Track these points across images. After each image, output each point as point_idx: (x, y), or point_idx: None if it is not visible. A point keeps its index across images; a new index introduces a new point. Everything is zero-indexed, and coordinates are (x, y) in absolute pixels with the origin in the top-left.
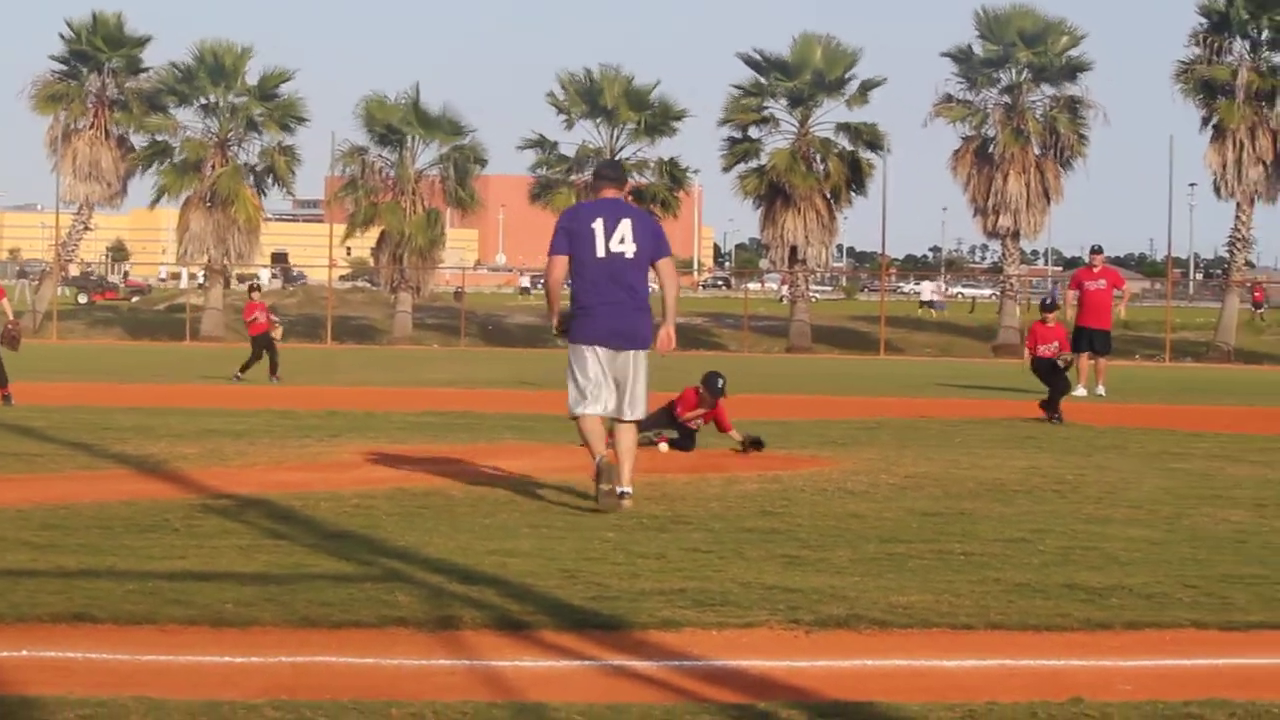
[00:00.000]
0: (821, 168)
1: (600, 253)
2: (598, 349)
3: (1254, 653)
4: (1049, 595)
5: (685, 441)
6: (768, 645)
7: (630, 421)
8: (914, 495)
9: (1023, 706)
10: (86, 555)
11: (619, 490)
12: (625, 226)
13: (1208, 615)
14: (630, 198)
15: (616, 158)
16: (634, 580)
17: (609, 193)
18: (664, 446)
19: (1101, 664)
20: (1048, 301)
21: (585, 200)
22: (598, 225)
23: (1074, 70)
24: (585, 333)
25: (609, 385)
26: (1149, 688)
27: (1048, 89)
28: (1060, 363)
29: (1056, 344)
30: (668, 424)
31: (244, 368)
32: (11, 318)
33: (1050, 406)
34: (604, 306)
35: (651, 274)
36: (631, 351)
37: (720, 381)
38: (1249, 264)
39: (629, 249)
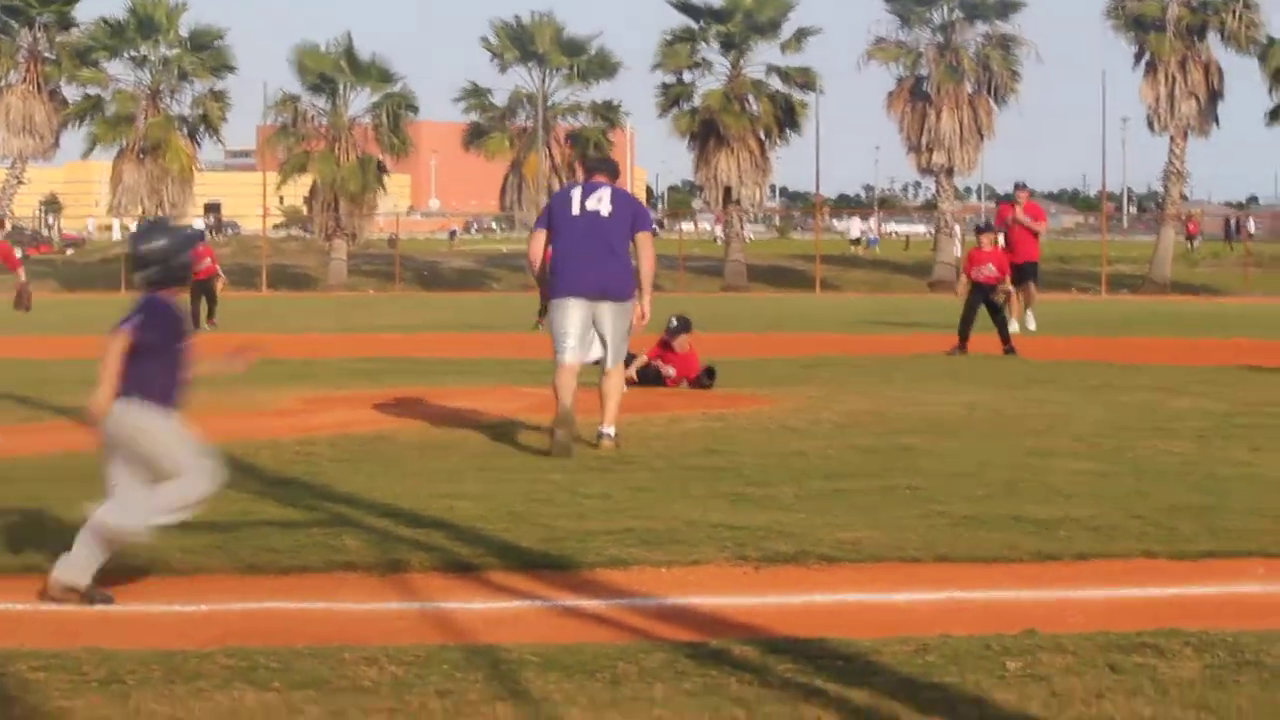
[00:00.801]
0: (754, 108)
1: (575, 211)
2: (573, 300)
3: (1204, 582)
4: (996, 528)
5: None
6: (717, 582)
7: (618, 369)
8: (856, 431)
9: (976, 639)
10: (32, 507)
11: (601, 430)
12: (604, 192)
13: (1156, 545)
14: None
15: (550, 104)
16: (581, 521)
17: (598, 179)
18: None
19: (1052, 595)
20: (982, 225)
21: None
22: (575, 192)
23: (1006, 8)
24: (561, 287)
25: (588, 336)
26: (1101, 618)
27: (981, 27)
28: (997, 296)
29: (991, 266)
30: (643, 366)
31: (210, 317)
32: (24, 279)
33: (1002, 340)
34: (579, 259)
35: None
36: (608, 303)
37: (673, 322)
38: (1183, 197)
39: (604, 208)
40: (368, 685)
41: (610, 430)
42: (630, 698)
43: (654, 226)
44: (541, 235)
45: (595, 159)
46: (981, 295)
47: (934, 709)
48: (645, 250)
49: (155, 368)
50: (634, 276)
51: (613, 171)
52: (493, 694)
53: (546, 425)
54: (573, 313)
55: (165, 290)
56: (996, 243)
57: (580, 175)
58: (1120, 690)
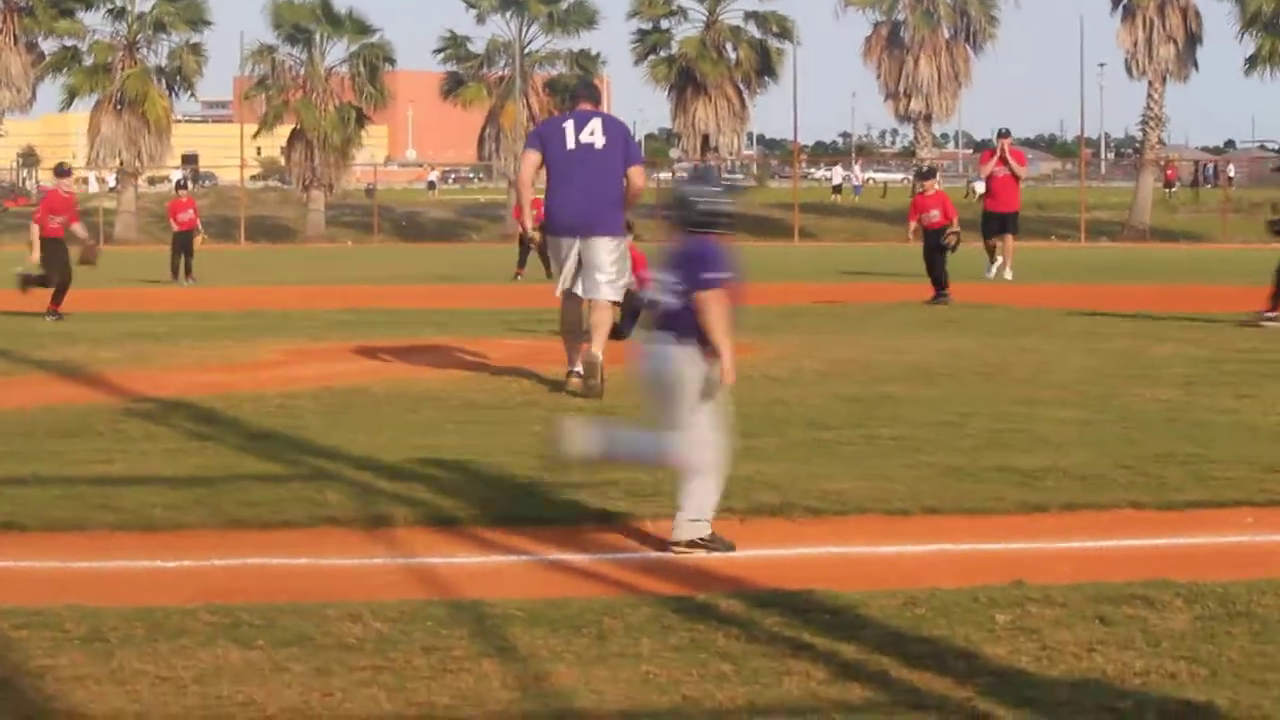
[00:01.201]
0: (732, 56)
1: (570, 145)
2: (567, 240)
3: (1192, 532)
4: (982, 478)
5: (625, 327)
6: None
7: (606, 301)
8: (838, 380)
9: (964, 591)
10: (11, 462)
11: (590, 351)
12: (595, 124)
13: (1144, 495)
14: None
15: (528, 52)
16: (564, 472)
17: (584, 106)
18: None
19: (1040, 546)
20: (924, 169)
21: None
22: (568, 125)
23: None
24: (554, 223)
25: (581, 270)
26: (1090, 569)
27: None
28: (946, 242)
29: (937, 212)
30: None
31: (188, 270)
32: (85, 236)
33: (937, 287)
34: (573, 196)
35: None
36: (599, 239)
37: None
38: (1160, 142)
39: (598, 140)
40: (352, 642)
41: (598, 353)
42: (617, 653)
43: (642, 161)
44: (531, 157)
45: (580, 85)
46: (934, 239)
47: (923, 663)
48: (634, 179)
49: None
50: (618, 211)
51: (596, 96)
52: (478, 650)
53: (566, 375)
54: (566, 250)
55: (711, 234)
56: (938, 187)
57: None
58: (1112, 642)
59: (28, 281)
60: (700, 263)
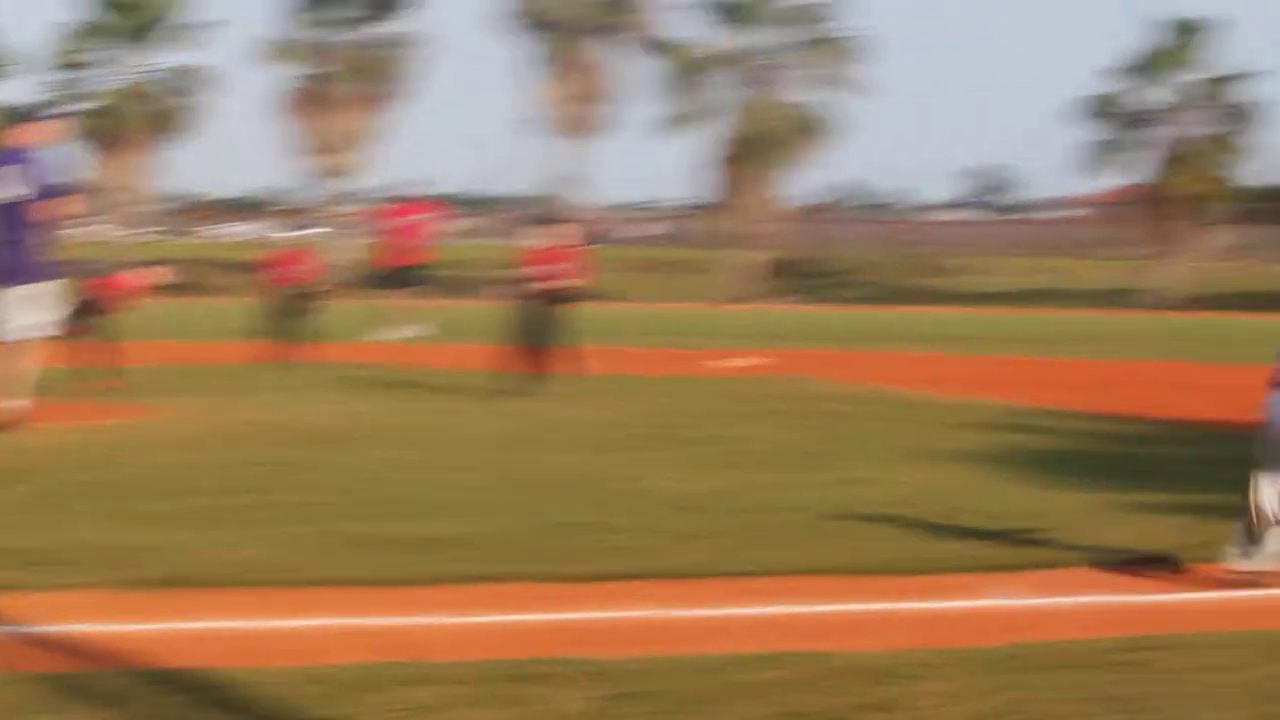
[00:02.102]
0: (147, 108)
1: None
2: None
3: (597, 606)
4: (389, 548)
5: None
6: (94, 608)
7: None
8: (245, 445)
9: (361, 668)
10: None
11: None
12: (6, 169)
13: (551, 566)
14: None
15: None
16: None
17: (9, 142)
18: None
19: (446, 621)
20: (292, 228)
21: None
22: None
23: (407, 6)
24: None
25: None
26: (495, 645)
27: (381, 27)
28: (298, 305)
29: (298, 268)
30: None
31: None
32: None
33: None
34: None
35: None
36: (17, 288)
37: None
38: (574, 200)
39: (6, 192)
40: None
41: (21, 400)
42: None
43: (67, 188)
44: None
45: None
46: (288, 298)
47: None
48: (48, 213)
49: None
50: (43, 256)
51: (19, 124)
52: None
53: None
54: None
55: None
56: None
57: None
58: None
59: None
60: None
